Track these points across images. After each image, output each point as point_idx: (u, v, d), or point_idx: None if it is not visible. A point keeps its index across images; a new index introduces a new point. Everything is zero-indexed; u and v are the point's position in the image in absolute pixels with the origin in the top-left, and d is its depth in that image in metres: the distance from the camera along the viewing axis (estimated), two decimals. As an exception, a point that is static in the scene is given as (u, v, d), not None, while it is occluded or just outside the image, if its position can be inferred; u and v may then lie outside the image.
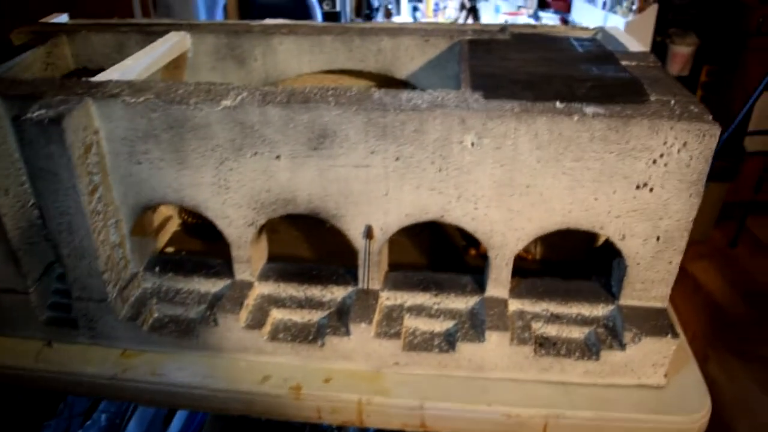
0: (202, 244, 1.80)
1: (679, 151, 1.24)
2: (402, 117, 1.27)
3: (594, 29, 1.94)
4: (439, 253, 1.73)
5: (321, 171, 1.35)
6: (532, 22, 3.92)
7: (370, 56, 1.85)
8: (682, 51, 4.49)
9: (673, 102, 1.29)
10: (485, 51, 1.65)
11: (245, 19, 4.05)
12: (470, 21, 3.84)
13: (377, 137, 1.30)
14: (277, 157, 1.35)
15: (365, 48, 1.83)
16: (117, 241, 1.49)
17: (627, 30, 3.68)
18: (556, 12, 4.15)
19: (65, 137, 1.26)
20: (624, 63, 1.54)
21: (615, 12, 3.70)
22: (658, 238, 1.36)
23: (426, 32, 1.82)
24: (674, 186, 1.28)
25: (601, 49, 1.66)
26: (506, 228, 1.39)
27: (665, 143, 1.24)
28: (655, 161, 1.26)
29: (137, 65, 1.63)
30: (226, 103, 1.30)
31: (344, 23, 2.04)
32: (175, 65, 1.86)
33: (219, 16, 3.08)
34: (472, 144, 1.28)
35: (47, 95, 1.35)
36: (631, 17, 3.62)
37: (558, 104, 1.28)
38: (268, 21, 2.01)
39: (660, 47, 4.36)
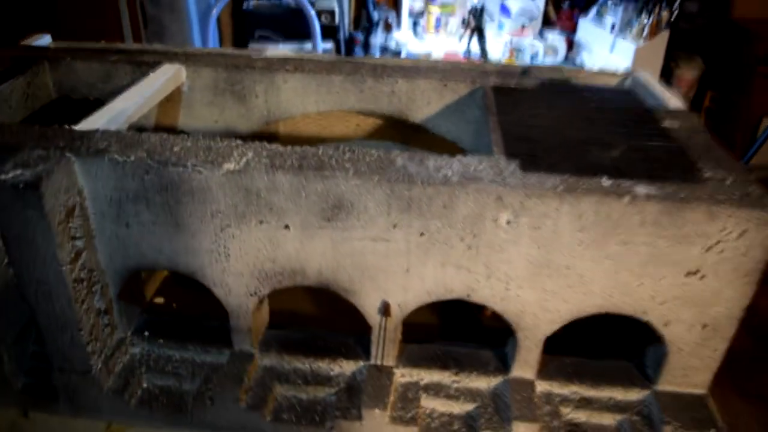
0: (194, 295, 1.64)
1: (736, 238, 1.11)
2: (430, 191, 1.12)
3: (623, 73, 1.80)
4: (451, 311, 1.59)
5: (334, 243, 1.21)
6: (538, 44, 3.79)
7: (382, 98, 1.70)
8: (687, 76, 4.39)
9: (729, 182, 1.16)
10: (513, 103, 1.51)
11: (240, 32, 3.89)
12: (474, 40, 3.70)
13: (400, 210, 1.15)
14: (286, 226, 1.20)
15: (378, 90, 1.69)
16: (102, 307, 1.33)
17: (637, 56, 3.57)
18: (561, 32, 4.03)
19: (44, 202, 1.10)
20: (666, 124, 1.41)
21: (624, 37, 3.58)
22: (704, 326, 1.23)
23: (444, 74, 1.67)
24: (728, 274, 1.15)
25: (637, 105, 1.53)
26: (539, 309, 1.25)
27: (722, 230, 1.11)
28: (709, 248, 1.13)
29: (128, 106, 1.47)
30: (229, 166, 1.15)
31: (355, 59, 1.88)
32: (169, 100, 1.70)
33: (212, 31, 2.92)
34: (508, 222, 1.14)
35: (25, 148, 1.19)
36: (641, 43, 3.50)
37: (605, 181, 1.14)
38: (271, 52, 1.85)
39: (664, 70, 4.27)
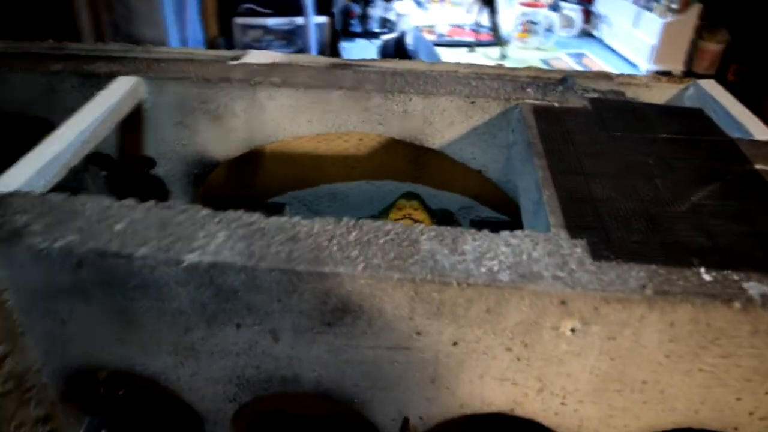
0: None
1: None
2: (469, 293, 0.82)
3: (685, 84, 1.47)
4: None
5: (337, 351, 0.90)
6: (553, 15, 3.41)
7: (392, 119, 1.37)
8: (711, 48, 4.02)
9: None
10: (561, 134, 1.18)
11: (225, 5, 3.47)
12: (485, 13, 3.31)
13: (427, 316, 0.85)
14: (272, 331, 0.89)
15: (386, 108, 1.36)
16: (41, 414, 1.04)
17: (665, 32, 3.20)
18: (578, 3, 3.64)
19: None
20: (761, 165, 1.10)
21: (650, 9, 3.20)
22: (816, 446, 0.94)
23: (471, 89, 1.34)
24: None
25: (716, 134, 1.21)
26: (602, 426, 0.96)
27: None
28: (840, 362, 0.83)
29: (71, 138, 1.14)
30: (192, 258, 0.83)
31: (355, 62, 1.54)
32: (129, 121, 1.37)
33: (191, 10, 2.53)
34: (573, 331, 0.84)
35: None
36: (669, 18, 3.13)
37: (705, 274, 0.83)
38: (252, 57, 1.51)
39: (686, 42, 3.87)
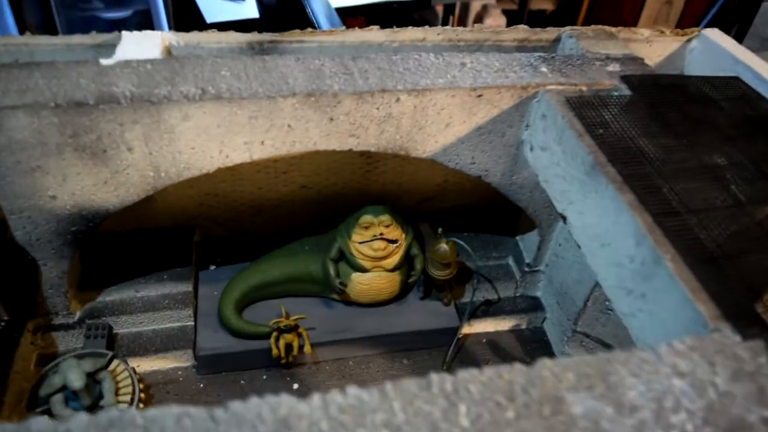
0: None
1: None
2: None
3: (688, 37, 1.22)
4: None
5: None
6: None
7: (369, 128, 0.96)
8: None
9: None
10: (628, 148, 0.88)
11: None
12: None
13: None
14: None
15: (362, 114, 0.94)
16: None
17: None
18: None
19: None
20: None
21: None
22: None
23: (476, 77, 0.97)
24: None
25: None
26: None
27: None
28: None
29: None
30: None
31: (285, 37, 1.08)
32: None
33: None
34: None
35: None
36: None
37: None
38: (130, 46, 0.98)
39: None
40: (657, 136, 0.91)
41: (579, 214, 0.89)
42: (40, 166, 0.90)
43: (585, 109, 0.95)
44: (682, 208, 0.79)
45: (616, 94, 1.01)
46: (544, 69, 1.02)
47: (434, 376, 0.59)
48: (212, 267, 1.28)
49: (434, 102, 0.95)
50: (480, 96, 0.96)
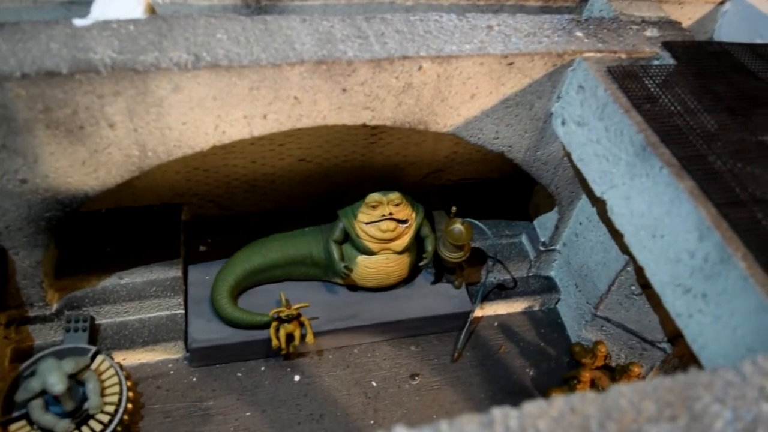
0: None
1: None
2: None
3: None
4: None
5: None
6: None
7: (387, 99, 0.85)
8: None
9: None
10: (678, 126, 0.79)
11: None
12: None
13: None
14: None
15: (379, 84, 0.83)
16: None
17: None
18: None
19: None
20: None
21: None
22: None
23: (506, 42, 0.86)
24: None
25: None
26: None
27: None
28: None
29: None
30: None
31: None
32: None
33: None
34: None
35: None
36: None
37: None
38: (109, 4, 0.84)
39: None
40: (710, 112, 0.82)
41: (624, 200, 0.80)
42: (5, 146, 0.77)
43: (628, 81, 0.85)
44: (748, 197, 0.71)
45: (657, 62, 0.91)
46: (579, 33, 0.91)
47: (497, 412, 0.50)
48: (202, 248, 1.16)
49: (460, 71, 0.84)
50: (511, 64, 0.86)
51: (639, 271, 1.00)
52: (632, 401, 0.52)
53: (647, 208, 0.76)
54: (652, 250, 0.76)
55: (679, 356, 1.10)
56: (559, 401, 0.51)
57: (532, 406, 0.51)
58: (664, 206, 0.73)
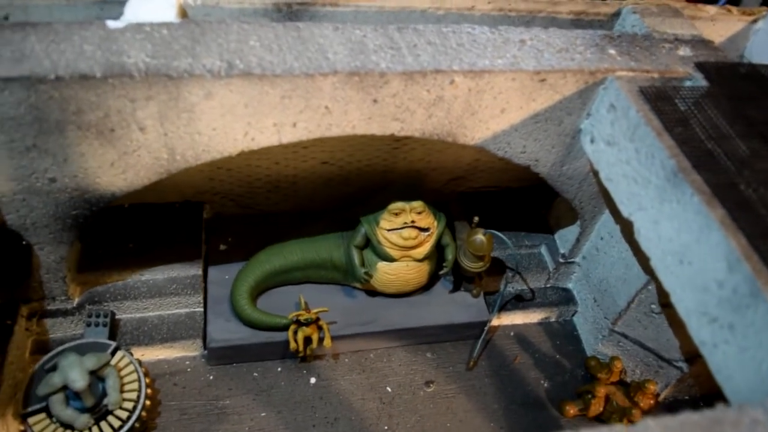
0: None
1: None
2: None
3: (753, 17, 1.10)
4: None
5: None
6: None
7: (416, 111, 0.85)
8: None
9: None
10: (710, 150, 0.78)
11: None
12: None
13: None
14: None
15: (410, 96, 0.83)
16: None
17: None
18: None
19: None
20: None
21: None
22: None
23: (538, 57, 0.85)
24: None
25: None
26: None
27: None
28: None
29: None
30: None
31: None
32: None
33: None
34: None
35: None
36: None
37: None
38: (143, 6, 0.84)
39: None
40: (742, 137, 0.81)
41: (652, 223, 0.80)
42: (36, 146, 0.78)
43: (660, 102, 0.84)
44: (780, 229, 0.70)
45: (689, 83, 0.90)
46: (611, 51, 0.90)
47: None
48: (222, 247, 1.17)
49: (492, 85, 0.84)
50: (543, 80, 0.85)
51: (661, 291, 1.00)
52: (660, 438, 0.52)
53: (676, 234, 0.76)
54: (679, 276, 0.76)
55: (695, 376, 1.10)
56: (587, 434, 0.51)
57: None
58: (693, 233, 0.73)
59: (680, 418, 0.54)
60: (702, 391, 1.16)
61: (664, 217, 0.78)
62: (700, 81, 0.90)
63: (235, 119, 0.80)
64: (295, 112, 0.81)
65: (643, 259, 1.01)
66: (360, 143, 1.13)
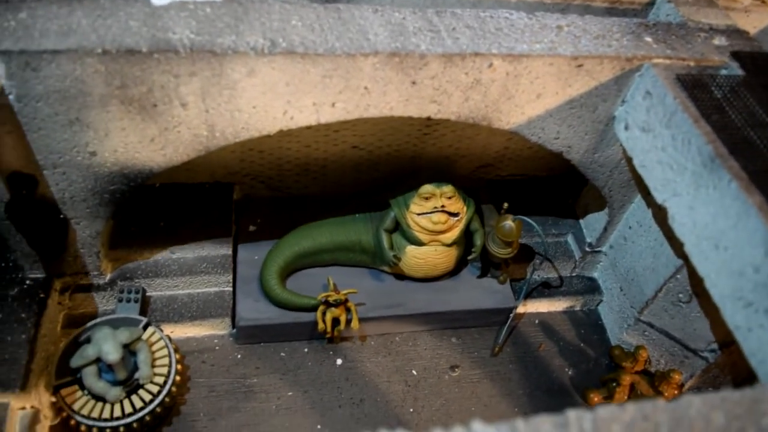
0: None
1: None
2: None
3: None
4: None
5: None
6: None
7: (454, 94, 0.85)
8: None
9: None
10: (748, 138, 0.78)
11: None
12: None
13: None
14: None
15: (448, 78, 0.83)
16: None
17: None
18: None
19: None
20: None
21: None
22: None
23: (575, 43, 0.85)
24: None
25: None
26: None
27: None
28: None
29: None
30: None
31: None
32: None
33: None
34: None
35: None
36: None
37: None
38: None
39: None
40: (780, 125, 0.81)
41: (687, 209, 0.80)
42: (79, 119, 0.79)
43: (697, 89, 0.84)
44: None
45: (725, 72, 0.90)
46: (648, 38, 0.90)
47: (571, 414, 0.51)
48: (252, 228, 1.18)
49: (530, 70, 0.84)
50: (580, 66, 0.85)
51: (692, 278, 1.00)
52: (702, 412, 0.53)
53: (711, 220, 0.76)
54: (714, 261, 0.76)
55: (721, 367, 1.10)
56: (631, 407, 0.52)
57: (605, 411, 0.52)
58: (730, 219, 0.73)
59: (722, 394, 0.55)
60: (727, 382, 1.16)
61: (700, 203, 0.78)
62: (736, 70, 0.89)
63: (275, 97, 0.81)
64: (334, 92, 0.82)
65: (673, 248, 1.01)
66: (390, 128, 1.13)
